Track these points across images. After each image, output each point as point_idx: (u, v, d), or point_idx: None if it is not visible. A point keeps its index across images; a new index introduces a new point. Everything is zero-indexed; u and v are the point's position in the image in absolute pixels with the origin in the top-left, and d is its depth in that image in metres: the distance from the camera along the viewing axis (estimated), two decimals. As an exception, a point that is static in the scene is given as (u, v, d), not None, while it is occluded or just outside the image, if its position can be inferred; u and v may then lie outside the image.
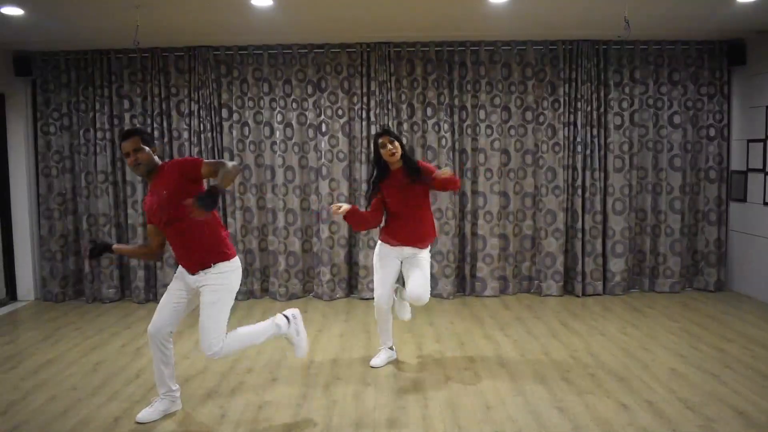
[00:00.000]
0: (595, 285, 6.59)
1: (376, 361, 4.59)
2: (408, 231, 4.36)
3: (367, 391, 4.09)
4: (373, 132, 6.46)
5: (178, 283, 3.68)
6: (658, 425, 3.52)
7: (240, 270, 3.67)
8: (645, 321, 5.63)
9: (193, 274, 3.57)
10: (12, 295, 6.71)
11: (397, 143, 4.30)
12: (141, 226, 6.58)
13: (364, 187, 6.52)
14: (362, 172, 6.52)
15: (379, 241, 4.50)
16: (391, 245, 4.41)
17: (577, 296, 6.56)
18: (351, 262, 6.72)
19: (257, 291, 6.70)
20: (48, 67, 6.51)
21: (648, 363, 4.52)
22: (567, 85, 6.50)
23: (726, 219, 6.72)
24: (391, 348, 4.67)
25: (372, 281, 6.54)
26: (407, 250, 4.41)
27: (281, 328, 3.81)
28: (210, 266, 3.53)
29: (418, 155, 6.53)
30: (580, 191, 6.54)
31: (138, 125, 6.51)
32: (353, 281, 6.75)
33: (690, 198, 6.71)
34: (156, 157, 3.58)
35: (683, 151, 6.64)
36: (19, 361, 4.79)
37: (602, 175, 6.57)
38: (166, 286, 6.54)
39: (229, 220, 6.60)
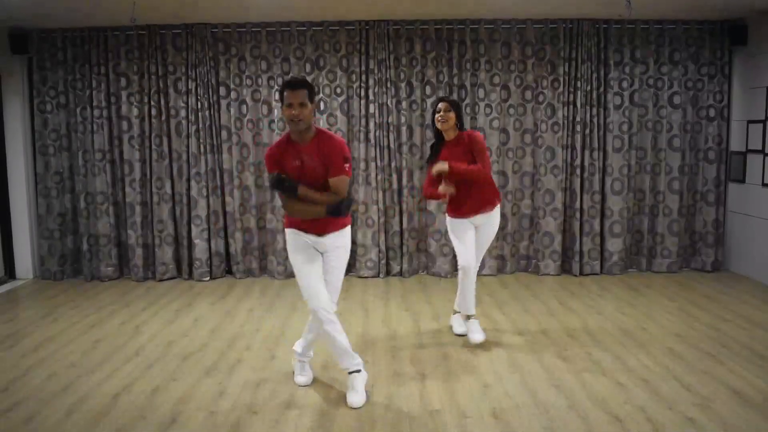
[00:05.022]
0: (592, 264, 6.61)
1: (477, 337, 4.54)
2: (472, 201, 4.44)
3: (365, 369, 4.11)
4: (371, 110, 6.43)
5: (306, 253, 3.66)
6: (654, 403, 3.55)
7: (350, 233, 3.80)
8: (642, 300, 5.66)
9: (321, 235, 3.63)
10: (11, 273, 6.72)
11: (452, 113, 4.34)
12: (139, 205, 6.57)
13: (362, 165, 6.51)
14: (360, 150, 6.50)
15: (449, 217, 4.54)
16: (462, 217, 4.48)
17: (575, 276, 6.58)
18: (349, 241, 6.72)
19: (255, 269, 6.71)
20: (44, 45, 6.45)
21: (645, 342, 4.55)
22: (567, 65, 6.46)
23: (724, 200, 6.72)
24: (473, 317, 4.67)
25: (370, 259, 6.56)
26: (478, 218, 4.51)
27: (351, 361, 3.72)
28: (337, 230, 3.67)
29: (417, 134, 6.51)
30: (578, 171, 6.52)
31: (135, 102, 6.48)
32: (351, 259, 6.73)
33: (689, 178, 6.71)
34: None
35: (683, 131, 6.62)
36: (19, 339, 4.81)
37: (601, 154, 6.55)
38: (164, 264, 6.58)
39: (227, 198, 6.58)
